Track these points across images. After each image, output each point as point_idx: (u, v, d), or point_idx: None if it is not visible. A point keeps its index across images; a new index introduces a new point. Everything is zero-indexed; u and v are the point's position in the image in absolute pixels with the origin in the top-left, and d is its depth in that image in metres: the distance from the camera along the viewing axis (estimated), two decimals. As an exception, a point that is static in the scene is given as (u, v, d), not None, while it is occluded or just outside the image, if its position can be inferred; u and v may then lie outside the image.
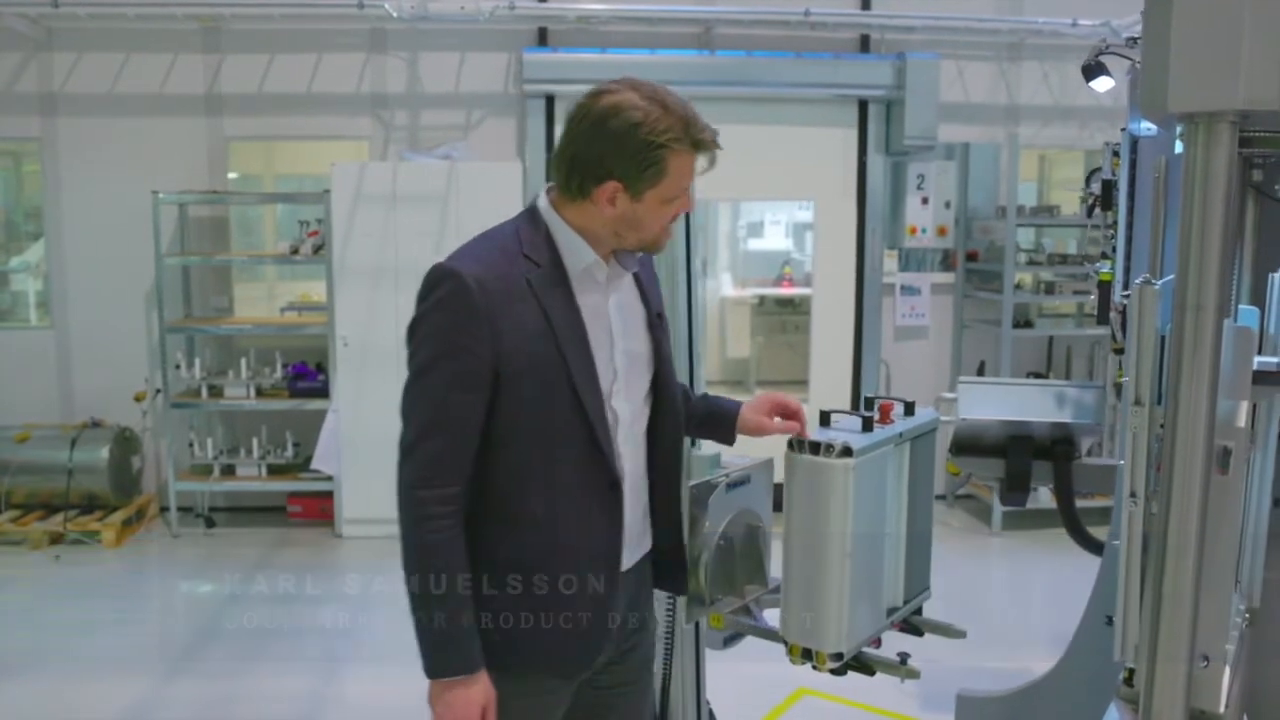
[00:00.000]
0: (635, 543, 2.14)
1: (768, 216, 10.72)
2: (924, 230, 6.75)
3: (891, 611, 2.45)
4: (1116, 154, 3.17)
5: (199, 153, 6.82)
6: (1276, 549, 2.65)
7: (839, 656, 2.25)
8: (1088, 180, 4.11)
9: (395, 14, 5.96)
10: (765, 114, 6.55)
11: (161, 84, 6.73)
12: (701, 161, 1.98)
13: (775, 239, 10.86)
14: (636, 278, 2.14)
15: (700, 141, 1.93)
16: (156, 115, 6.75)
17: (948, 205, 6.80)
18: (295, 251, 6.56)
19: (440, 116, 6.77)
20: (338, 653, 4.82)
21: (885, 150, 6.63)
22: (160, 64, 6.70)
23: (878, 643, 2.42)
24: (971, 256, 6.98)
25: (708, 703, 3.17)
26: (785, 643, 2.30)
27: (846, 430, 2.27)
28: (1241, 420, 2.01)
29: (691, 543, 2.48)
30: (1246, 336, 2.03)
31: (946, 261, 7.05)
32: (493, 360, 1.90)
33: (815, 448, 2.20)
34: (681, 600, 2.56)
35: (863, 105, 6.64)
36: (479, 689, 1.95)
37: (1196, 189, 1.87)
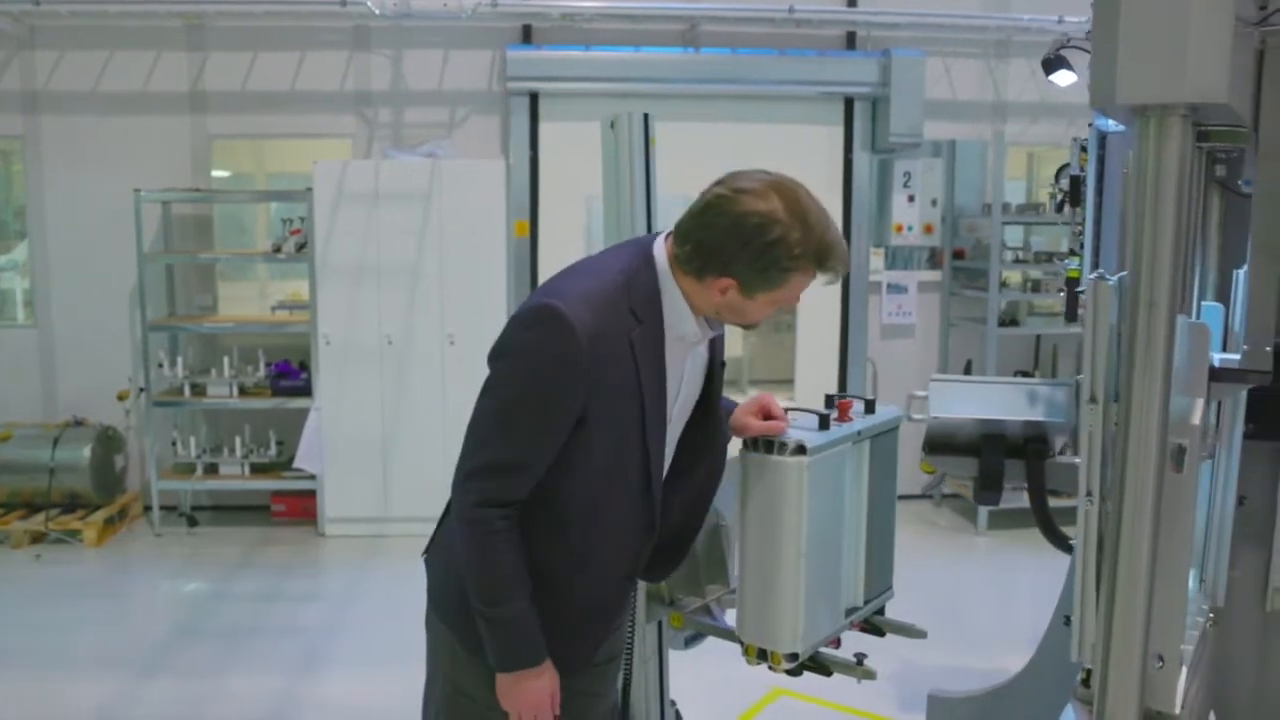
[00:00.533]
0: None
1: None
2: (910, 228, 6.72)
3: (851, 611, 2.42)
4: (1085, 149, 3.15)
5: (183, 151, 6.80)
6: (1241, 548, 2.63)
7: (794, 657, 2.23)
8: (1057, 176, 4.08)
9: (378, 11, 5.93)
10: (750, 111, 6.53)
11: (145, 82, 6.71)
12: (821, 280, 2.03)
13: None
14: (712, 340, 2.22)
15: (828, 267, 1.98)
16: (140, 113, 6.72)
17: (934, 203, 6.77)
18: (278, 250, 6.54)
19: (424, 114, 6.74)
20: (317, 652, 4.78)
21: (871, 148, 6.61)
22: (144, 62, 6.68)
23: (837, 643, 2.39)
24: (958, 255, 6.95)
25: (673, 703, 3.15)
26: (741, 643, 2.28)
27: (803, 428, 2.25)
28: (1197, 418, 1.99)
29: (651, 541, 2.47)
30: (1201, 333, 2.01)
31: (933, 259, 7.03)
32: (581, 411, 1.96)
33: (769, 446, 2.17)
34: (643, 598, 2.56)
35: (848, 103, 6.61)
36: (548, 678, 2.08)
37: (1149, 183, 1.85)
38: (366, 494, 6.23)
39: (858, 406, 2.43)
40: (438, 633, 2.23)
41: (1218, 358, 2.37)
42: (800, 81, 6.48)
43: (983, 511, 6.45)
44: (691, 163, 6.54)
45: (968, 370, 6.73)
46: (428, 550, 2.28)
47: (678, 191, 8.88)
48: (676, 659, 2.89)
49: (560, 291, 1.98)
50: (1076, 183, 3.29)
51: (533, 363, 1.95)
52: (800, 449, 2.14)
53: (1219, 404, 2.56)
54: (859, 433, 2.33)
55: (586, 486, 2.04)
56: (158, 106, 6.73)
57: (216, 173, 7.53)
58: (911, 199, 6.70)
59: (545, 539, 2.06)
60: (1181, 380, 2.01)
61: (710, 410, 2.26)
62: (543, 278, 6.58)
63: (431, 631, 2.25)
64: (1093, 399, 2.06)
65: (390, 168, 6.24)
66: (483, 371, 2.02)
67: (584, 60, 6.42)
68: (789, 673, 2.28)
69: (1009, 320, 6.69)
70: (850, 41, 6.74)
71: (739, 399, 2.33)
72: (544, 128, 6.47)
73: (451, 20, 6.29)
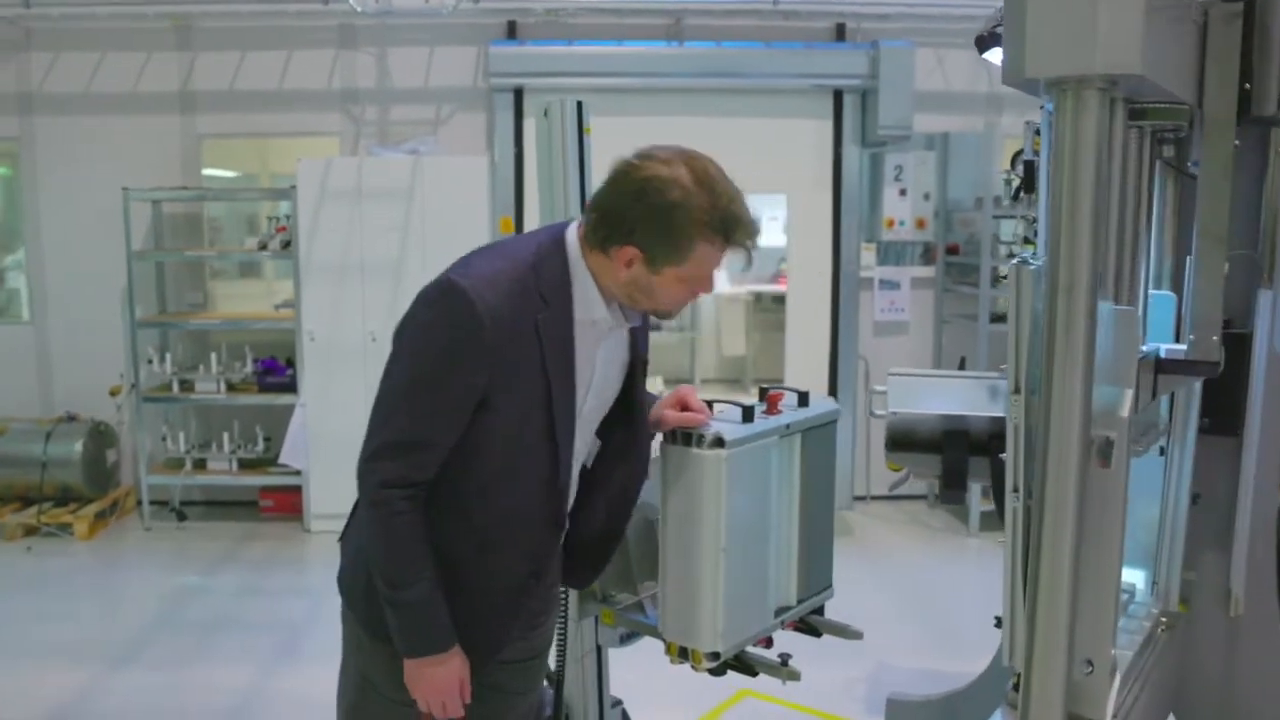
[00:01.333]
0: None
1: (765, 213, 10.57)
2: (902, 223, 6.61)
3: (783, 610, 2.34)
4: (1039, 133, 3.05)
5: (173, 150, 6.81)
6: (1200, 549, 2.53)
7: (715, 656, 2.15)
8: (1013, 162, 3.96)
9: (360, 9, 5.89)
10: (736, 106, 6.44)
11: (136, 83, 6.72)
12: (734, 256, 1.97)
13: (772, 235, 10.72)
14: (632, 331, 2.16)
15: (735, 239, 1.93)
16: (131, 113, 6.74)
17: (927, 197, 6.66)
18: (264, 247, 6.53)
19: (410, 111, 6.71)
20: (295, 646, 4.79)
21: (861, 141, 6.50)
22: (134, 63, 6.69)
23: (768, 642, 2.32)
24: (952, 250, 6.84)
25: (618, 702, 3.08)
26: (664, 641, 2.21)
27: (726, 421, 2.18)
28: (1125, 410, 1.89)
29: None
30: (1128, 319, 1.92)
31: (927, 255, 6.92)
32: (485, 385, 1.93)
33: (689, 439, 2.10)
34: (575, 595, 2.49)
35: (838, 95, 6.51)
36: (456, 663, 2.04)
37: (1065, 160, 1.76)
38: (351, 490, 6.14)
39: (789, 399, 2.36)
40: (348, 620, 2.21)
41: (1164, 348, 2.28)
42: (787, 74, 6.39)
43: (975, 513, 6.35)
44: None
45: (961, 366, 6.60)
46: (342, 535, 2.25)
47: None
48: (641, 657, 2.82)
49: (467, 269, 1.96)
50: (1031, 168, 3.19)
51: (435, 339, 1.93)
52: (719, 441, 2.07)
53: (1171, 397, 2.47)
54: (787, 426, 2.26)
55: (490, 470, 2.01)
56: (148, 106, 6.74)
57: (218, 171, 7.55)
58: (903, 193, 6.59)
59: (448, 521, 2.02)
60: (1108, 370, 1.92)
61: (633, 409, 2.20)
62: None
63: (344, 619, 2.23)
64: (1016, 389, 1.97)
65: (373, 165, 6.20)
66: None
67: (567, 55, 6.36)
68: (711, 672, 2.21)
69: (1001, 316, 6.57)
70: (840, 33, 6.64)
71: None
72: (528, 124, 6.41)
73: (437, 17, 6.25)
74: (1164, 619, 2.42)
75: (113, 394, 6.67)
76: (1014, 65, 1.76)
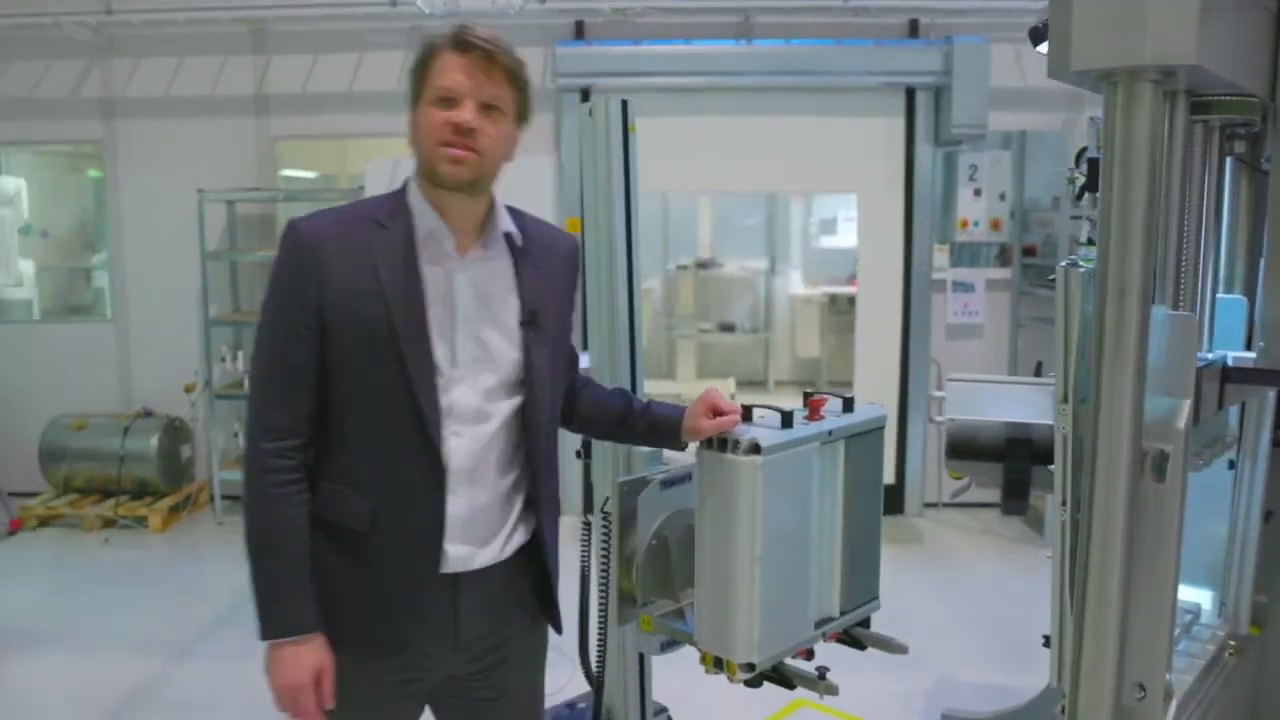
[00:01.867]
0: (479, 543, 2.00)
1: (841, 213, 10.43)
2: (976, 224, 6.44)
3: (825, 622, 2.26)
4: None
5: (248, 152, 6.93)
6: (1270, 569, 2.39)
7: (750, 667, 2.09)
8: (1077, 160, 3.80)
9: (427, 10, 5.91)
10: (805, 104, 6.33)
11: (213, 86, 6.86)
12: (468, 63, 1.87)
13: (849, 236, 10.58)
14: (519, 273, 2.02)
15: (459, 40, 1.88)
16: (208, 116, 6.88)
17: (1002, 197, 6.47)
18: (334, 247, 6.59)
19: (479, 112, 6.71)
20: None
21: (934, 140, 6.34)
22: (211, 66, 6.82)
23: (808, 654, 2.24)
24: (1029, 251, 6.64)
25: (664, 709, 3.03)
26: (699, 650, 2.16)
27: (765, 427, 2.11)
28: (1182, 421, 1.79)
29: (623, 542, 2.36)
30: (1186, 325, 1.81)
31: (1003, 256, 6.73)
32: (319, 309, 1.87)
33: (724, 444, 2.04)
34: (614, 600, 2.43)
35: (910, 93, 6.36)
36: (310, 651, 1.90)
37: (1117, 156, 1.67)
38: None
39: (833, 404, 2.28)
40: None
41: (1232, 356, 2.16)
42: (858, 72, 6.25)
43: (1051, 523, 6.14)
44: (745, 158, 6.45)
45: (1037, 372, 6.41)
46: None
47: (732, 188, 8.79)
48: (693, 664, 2.76)
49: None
50: (1095, 166, 3.05)
51: (271, 277, 1.93)
52: (755, 448, 2.01)
53: (1241, 407, 2.34)
54: (829, 432, 2.18)
55: (354, 413, 1.91)
56: (224, 109, 6.87)
57: (298, 173, 7.66)
58: (978, 193, 6.42)
59: (332, 491, 1.94)
60: (1163, 379, 1.81)
61: (529, 368, 2.02)
62: (592, 274, 6.52)
63: None
64: (1065, 398, 1.88)
65: (441, 165, 6.21)
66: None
67: (635, 55, 6.32)
68: (747, 683, 2.14)
69: (1083, 320, 6.35)
70: (913, 29, 6.49)
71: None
72: (596, 123, 6.36)
73: (505, 18, 6.24)
74: (1232, 642, 2.29)
75: (187, 391, 6.81)
76: (1059, 57, 1.68)
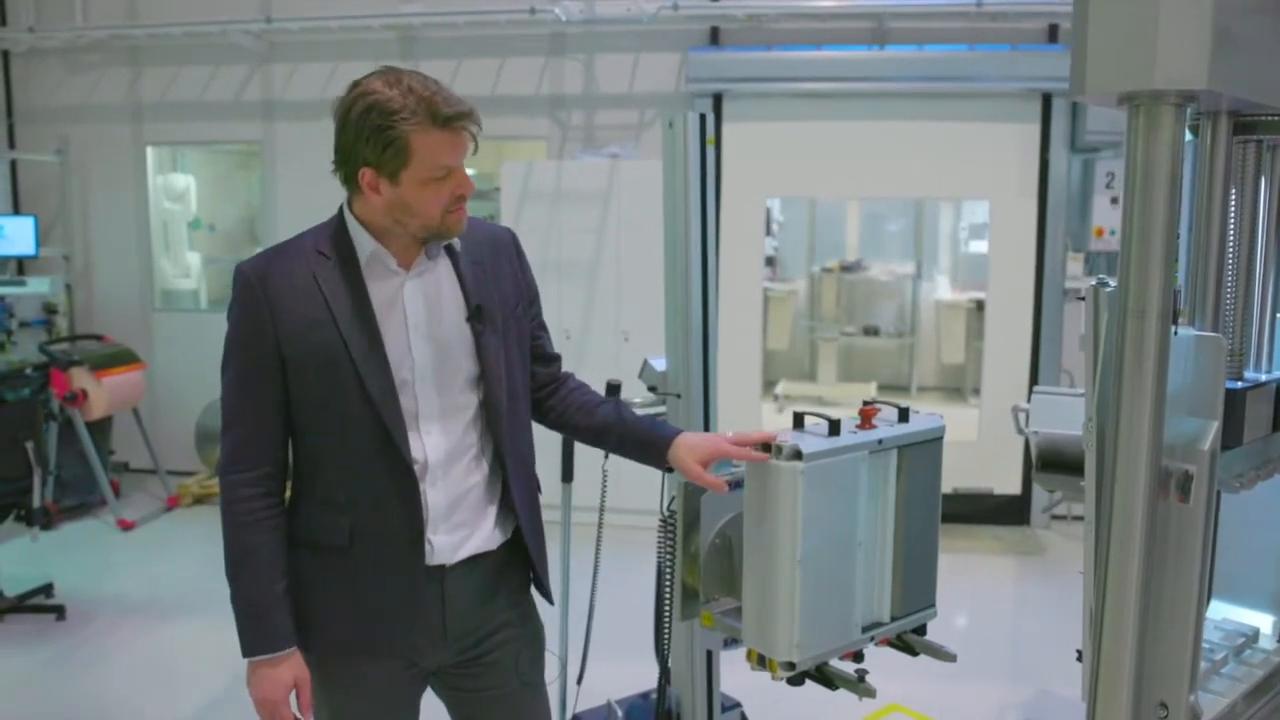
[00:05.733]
0: (464, 530, 2.10)
1: (980, 219, 10.22)
2: (1113, 232, 6.24)
3: (873, 627, 2.32)
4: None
5: (397, 153, 7.28)
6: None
7: (791, 666, 2.17)
8: None
9: (564, 17, 6.13)
10: (939, 110, 6.27)
11: (365, 89, 7.23)
12: (458, 140, 1.93)
13: (992, 244, 10.35)
14: (459, 272, 2.10)
15: (442, 117, 1.90)
16: (361, 118, 7.25)
17: (1142, 206, 6.24)
18: (469, 247, 6.88)
19: (614, 116, 6.91)
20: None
21: (1070, 147, 6.19)
22: (362, 71, 7.06)
23: (856, 656, 2.30)
24: (1170, 262, 6.38)
25: (737, 704, 3.12)
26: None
27: (811, 434, 2.19)
28: (1207, 443, 1.78)
29: (687, 540, 2.46)
30: (1215, 346, 1.80)
31: (1142, 266, 6.48)
32: (276, 347, 1.97)
33: (767, 449, 2.13)
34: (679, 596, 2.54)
35: (1046, 99, 6.22)
36: (286, 668, 2.00)
37: (1137, 178, 1.69)
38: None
39: (887, 414, 2.33)
40: None
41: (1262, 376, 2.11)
42: (992, 77, 6.15)
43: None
44: (877, 163, 6.42)
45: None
46: None
47: (861, 192, 8.71)
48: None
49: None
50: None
51: (229, 320, 2.03)
52: (796, 454, 2.08)
53: None
54: (879, 441, 2.23)
55: (321, 434, 2.01)
56: (376, 112, 7.23)
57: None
58: (1114, 201, 6.22)
59: (310, 510, 2.04)
60: (1190, 399, 1.82)
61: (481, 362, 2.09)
62: (724, 276, 6.62)
63: None
64: (1090, 416, 1.90)
65: (572, 168, 6.44)
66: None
67: (766, 60, 6.38)
68: (789, 681, 2.22)
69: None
70: (1053, 34, 6.34)
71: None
72: (726, 129, 6.47)
73: (638, 24, 6.41)
74: (1291, 667, 2.24)
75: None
76: (1077, 80, 1.71)
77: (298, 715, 2.04)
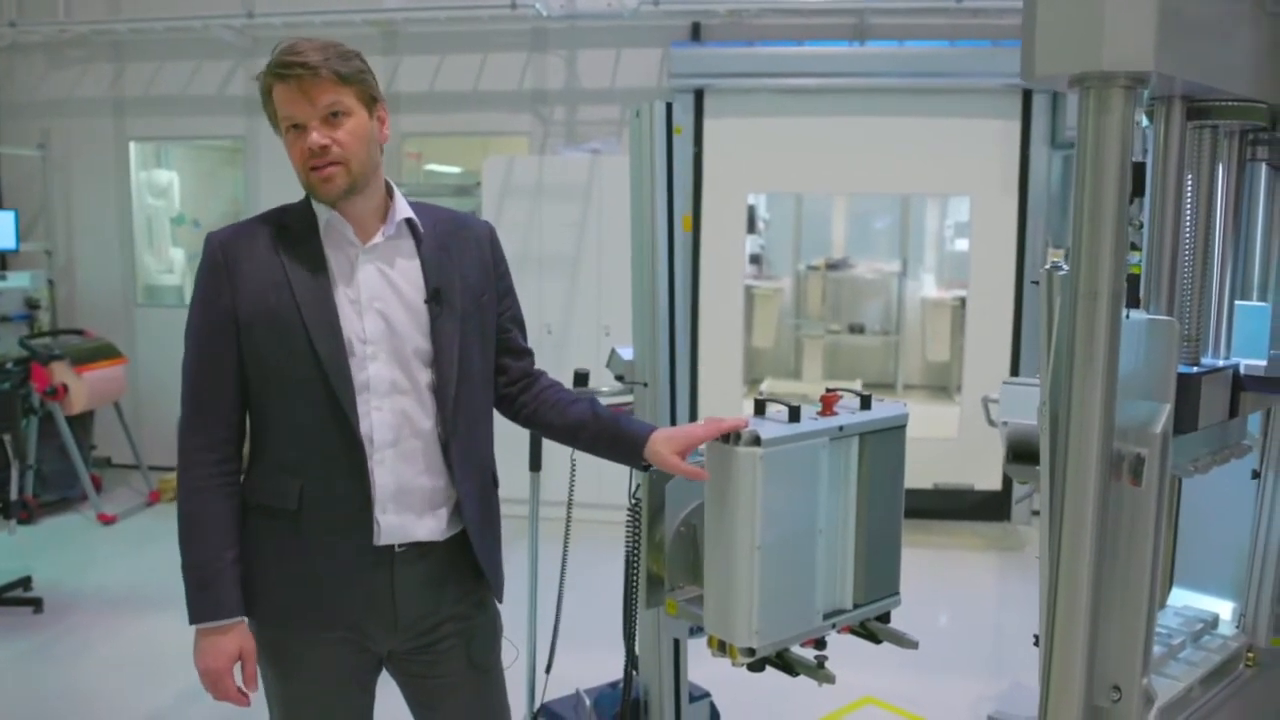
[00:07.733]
0: (414, 513, 2.08)
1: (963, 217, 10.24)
2: (1093, 228, 6.26)
3: (835, 614, 2.32)
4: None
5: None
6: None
7: (751, 652, 2.17)
8: None
9: (545, 12, 6.13)
10: (920, 105, 6.28)
11: (346, 85, 7.22)
12: (290, 89, 2.00)
13: (980, 239, 10.35)
14: (421, 254, 2.11)
15: (273, 65, 2.02)
16: (340, 114, 7.25)
17: (1123, 201, 6.26)
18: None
19: (596, 112, 6.92)
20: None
21: (1051, 142, 6.21)
22: (346, 66, 7.16)
23: (817, 643, 2.31)
24: (1150, 257, 6.41)
25: (706, 694, 3.12)
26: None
27: (773, 420, 2.19)
28: (1159, 426, 1.79)
29: (652, 528, 2.47)
30: (1166, 330, 1.81)
31: (1123, 262, 6.51)
32: (232, 309, 2.01)
33: (727, 436, 2.13)
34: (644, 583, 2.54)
35: (1027, 95, 6.24)
36: (232, 639, 2.01)
37: (1089, 161, 1.71)
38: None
39: (849, 402, 2.34)
40: None
41: (1244, 363, 2.13)
42: (973, 73, 6.17)
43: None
44: (857, 158, 6.43)
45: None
46: None
47: (841, 188, 8.72)
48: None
49: None
50: (1139, 170, 2.97)
51: (195, 286, 2.08)
52: (755, 440, 2.09)
53: (1267, 414, 2.29)
54: (840, 428, 2.24)
55: (273, 398, 2.03)
56: (355, 107, 7.22)
57: (442, 168, 7.98)
58: (1094, 196, 6.23)
59: (262, 475, 2.07)
60: (1142, 383, 1.83)
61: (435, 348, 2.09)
62: (705, 272, 6.65)
63: None
64: (1044, 400, 1.91)
65: (553, 164, 6.44)
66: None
67: (748, 56, 6.39)
68: (750, 668, 2.22)
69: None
70: (1033, 30, 6.35)
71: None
72: (708, 124, 6.48)
73: (623, 20, 6.41)
74: (1250, 653, 2.25)
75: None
76: (1026, 62, 1.72)
77: (241, 688, 2.04)
